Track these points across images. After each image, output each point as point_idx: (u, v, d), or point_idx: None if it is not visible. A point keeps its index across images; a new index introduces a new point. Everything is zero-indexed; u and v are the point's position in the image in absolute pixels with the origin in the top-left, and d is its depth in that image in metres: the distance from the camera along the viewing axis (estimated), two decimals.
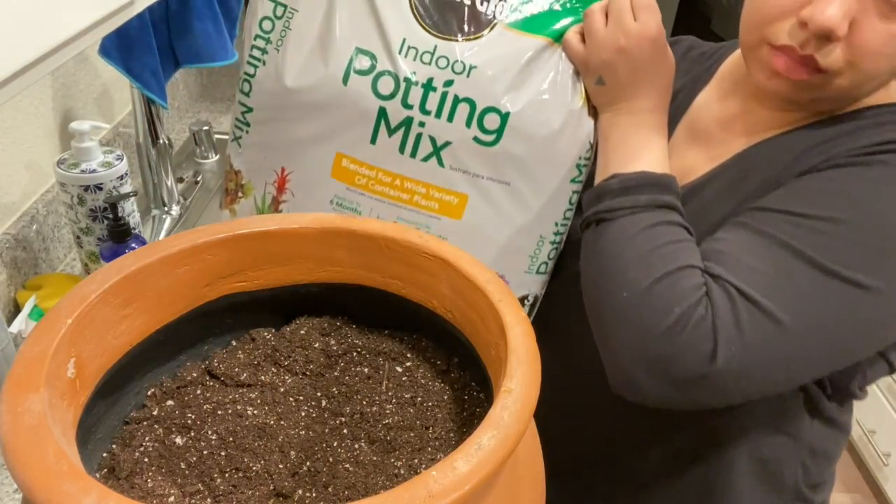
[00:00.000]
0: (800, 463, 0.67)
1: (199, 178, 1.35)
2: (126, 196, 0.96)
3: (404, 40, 0.60)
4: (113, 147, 1.06)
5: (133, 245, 0.95)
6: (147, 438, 0.52)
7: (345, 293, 0.62)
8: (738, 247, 0.55)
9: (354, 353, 0.61)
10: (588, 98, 0.64)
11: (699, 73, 0.72)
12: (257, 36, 0.64)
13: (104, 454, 0.52)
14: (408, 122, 0.61)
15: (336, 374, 0.60)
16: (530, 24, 0.61)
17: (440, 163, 0.63)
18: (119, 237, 0.94)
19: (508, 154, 0.62)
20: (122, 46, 1.03)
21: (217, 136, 1.46)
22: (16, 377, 0.42)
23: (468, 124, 0.61)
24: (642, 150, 0.59)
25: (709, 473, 0.67)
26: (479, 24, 0.61)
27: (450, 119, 0.61)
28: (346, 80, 0.61)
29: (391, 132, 0.62)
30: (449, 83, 0.60)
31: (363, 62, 0.61)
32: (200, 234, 0.56)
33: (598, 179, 0.62)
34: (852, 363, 0.57)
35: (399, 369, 0.60)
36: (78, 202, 0.96)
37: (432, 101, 0.61)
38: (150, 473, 0.49)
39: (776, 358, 0.52)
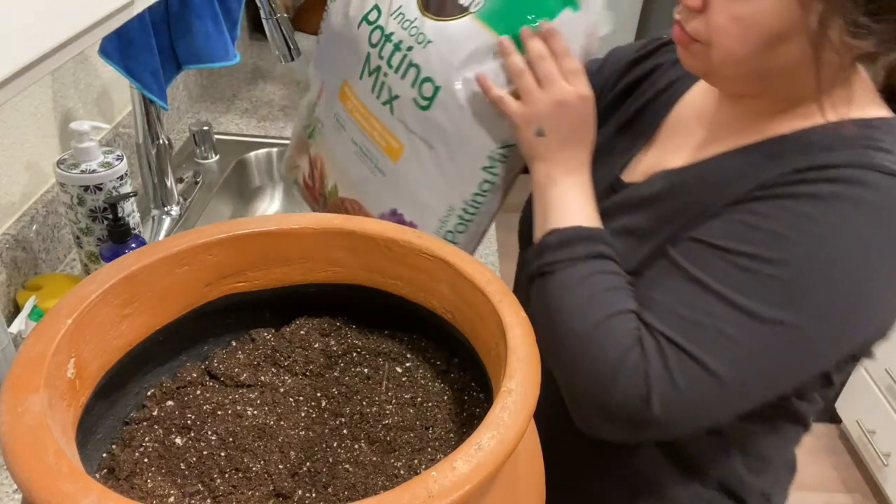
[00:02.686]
0: (730, 459, 0.69)
1: (199, 178, 1.35)
2: (126, 196, 0.96)
3: (400, 7, 0.72)
4: (113, 147, 1.06)
5: (133, 245, 0.95)
6: (147, 439, 0.52)
7: (345, 293, 0.62)
8: (670, 294, 0.58)
9: (354, 354, 0.61)
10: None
11: None
12: None
13: (104, 454, 0.52)
14: (378, 70, 0.74)
15: (336, 374, 0.60)
16: (493, 18, 0.69)
17: (391, 110, 0.74)
18: (119, 237, 0.94)
19: (435, 122, 0.71)
20: (121, 47, 1.03)
21: (217, 136, 1.46)
22: (16, 377, 0.42)
23: (412, 85, 0.71)
24: (577, 208, 0.66)
25: (635, 467, 0.71)
26: (454, 9, 0.70)
27: (402, 77, 0.72)
28: (359, 24, 0.75)
29: (370, 74, 0.75)
30: (410, 48, 0.71)
31: (373, 15, 0.74)
32: (200, 235, 0.56)
33: (537, 234, 0.67)
34: (785, 391, 0.60)
35: (399, 370, 0.60)
36: (78, 202, 0.96)
37: (395, 59, 0.72)
38: (150, 474, 0.49)
39: (711, 402, 0.56)
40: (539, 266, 0.64)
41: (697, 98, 0.72)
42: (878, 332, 0.59)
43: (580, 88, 0.67)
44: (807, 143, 0.59)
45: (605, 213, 0.68)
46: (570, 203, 0.66)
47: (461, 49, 0.69)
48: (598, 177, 0.71)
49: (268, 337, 0.62)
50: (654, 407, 0.55)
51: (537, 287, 0.64)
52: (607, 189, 0.72)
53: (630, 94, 0.78)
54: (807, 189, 0.55)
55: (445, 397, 0.57)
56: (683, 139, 0.70)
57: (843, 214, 0.53)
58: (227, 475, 0.50)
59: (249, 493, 0.49)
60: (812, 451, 2.07)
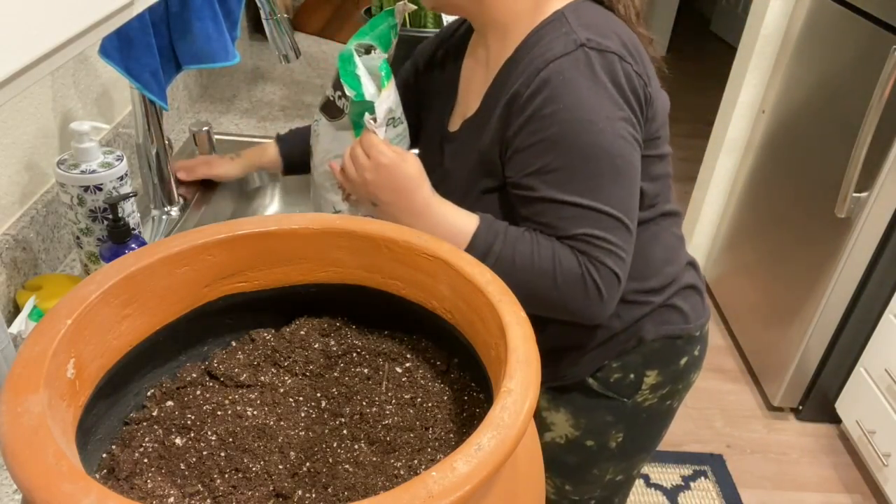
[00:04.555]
0: None
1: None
2: (126, 196, 0.96)
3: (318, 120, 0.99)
4: (113, 147, 1.06)
5: (133, 245, 0.95)
6: (147, 439, 0.52)
7: (345, 293, 0.62)
8: (552, 215, 0.77)
9: (354, 354, 0.61)
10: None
11: None
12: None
13: (104, 455, 0.52)
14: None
15: (336, 374, 0.60)
16: (354, 119, 0.91)
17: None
18: (119, 237, 0.94)
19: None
20: (121, 47, 1.03)
21: (217, 136, 1.46)
22: (15, 378, 0.42)
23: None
24: (449, 228, 0.78)
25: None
26: (339, 113, 0.93)
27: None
28: None
29: None
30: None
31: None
32: (200, 235, 0.56)
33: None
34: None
35: (399, 370, 0.60)
36: (78, 203, 0.96)
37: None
38: (150, 474, 0.49)
39: (626, 246, 0.78)
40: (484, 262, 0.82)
41: (472, 51, 0.91)
42: (639, 139, 0.78)
43: (377, 159, 0.80)
44: (516, 61, 0.78)
45: (443, 158, 0.88)
46: (445, 229, 0.79)
47: (346, 137, 0.94)
48: (436, 130, 0.93)
49: (268, 337, 0.62)
50: (613, 298, 0.78)
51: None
52: (440, 141, 0.91)
53: (443, 68, 0.98)
54: (535, 103, 0.74)
55: (445, 397, 0.57)
56: (470, 83, 0.90)
57: (565, 99, 0.73)
58: (227, 475, 0.50)
59: (249, 493, 0.49)
60: (812, 451, 2.07)
